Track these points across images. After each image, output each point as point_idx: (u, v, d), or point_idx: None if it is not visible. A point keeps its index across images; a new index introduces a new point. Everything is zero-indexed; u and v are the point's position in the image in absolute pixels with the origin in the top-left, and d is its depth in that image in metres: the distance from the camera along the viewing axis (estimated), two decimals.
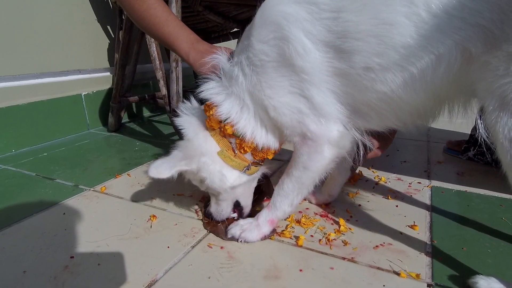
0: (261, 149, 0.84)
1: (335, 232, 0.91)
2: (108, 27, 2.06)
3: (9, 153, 1.60)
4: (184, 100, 0.91)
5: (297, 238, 0.88)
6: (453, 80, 0.63)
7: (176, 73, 1.54)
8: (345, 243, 0.87)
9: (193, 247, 0.86)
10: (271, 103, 0.76)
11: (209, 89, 0.82)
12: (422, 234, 0.91)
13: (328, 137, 0.76)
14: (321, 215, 1.01)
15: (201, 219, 0.98)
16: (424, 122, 0.77)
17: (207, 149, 0.83)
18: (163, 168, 0.78)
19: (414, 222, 0.95)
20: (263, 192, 1.01)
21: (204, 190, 0.92)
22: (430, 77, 0.64)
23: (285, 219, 0.97)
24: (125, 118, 2.16)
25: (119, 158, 1.55)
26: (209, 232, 0.92)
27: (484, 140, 0.67)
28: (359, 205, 1.07)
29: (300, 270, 0.77)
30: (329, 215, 1.01)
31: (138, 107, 2.34)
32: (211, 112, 0.81)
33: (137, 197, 1.13)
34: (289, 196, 0.84)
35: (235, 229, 0.88)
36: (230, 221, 0.93)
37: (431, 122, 0.77)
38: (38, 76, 1.74)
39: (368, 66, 0.66)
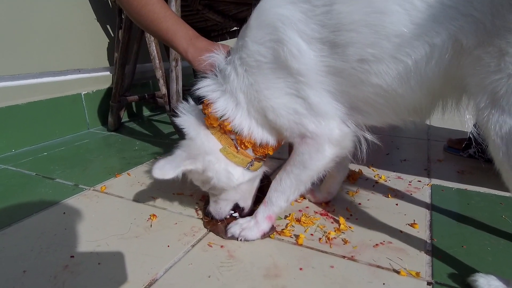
0: (260, 144, 0.84)
1: (335, 231, 0.91)
2: (108, 26, 2.06)
3: (9, 152, 1.60)
4: (182, 101, 0.91)
5: (297, 236, 0.88)
6: (444, 73, 0.63)
7: (175, 72, 1.54)
8: (345, 241, 0.87)
9: (193, 246, 0.86)
10: (270, 104, 0.76)
11: (205, 87, 0.83)
12: (422, 232, 0.91)
13: (329, 136, 0.76)
14: (321, 214, 1.01)
15: (201, 218, 0.98)
16: (420, 118, 0.77)
17: (210, 148, 0.83)
18: (167, 169, 0.78)
19: (414, 220, 0.95)
20: (264, 192, 1.01)
21: (206, 190, 0.92)
22: (423, 69, 0.63)
23: (284, 217, 0.97)
24: (125, 118, 2.16)
25: (119, 157, 1.54)
26: (209, 231, 0.92)
27: (474, 137, 0.66)
28: (359, 203, 1.07)
29: (300, 269, 0.77)
30: (329, 214, 1.01)
31: (138, 106, 2.34)
32: (209, 110, 0.82)
33: (137, 197, 1.13)
34: (286, 192, 0.85)
35: (234, 228, 0.88)
36: (230, 220, 0.93)
37: (428, 118, 0.77)
38: (38, 75, 1.73)
39: (362, 57, 0.66)
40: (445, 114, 0.72)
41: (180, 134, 1.56)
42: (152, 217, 0.99)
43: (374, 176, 1.27)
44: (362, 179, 1.25)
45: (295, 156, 0.82)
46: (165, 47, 2.06)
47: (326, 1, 0.66)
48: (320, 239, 0.88)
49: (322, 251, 0.83)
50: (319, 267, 0.78)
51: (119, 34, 1.83)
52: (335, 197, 1.08)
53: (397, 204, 1.06)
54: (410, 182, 1.22)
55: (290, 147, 0.90)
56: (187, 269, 0.78)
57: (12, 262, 0.81)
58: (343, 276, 0.75)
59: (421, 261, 0.79)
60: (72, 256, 0.83)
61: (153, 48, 1.62)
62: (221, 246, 0.86)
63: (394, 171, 1.31)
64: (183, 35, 0.94)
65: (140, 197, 1.12)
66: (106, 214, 1.02)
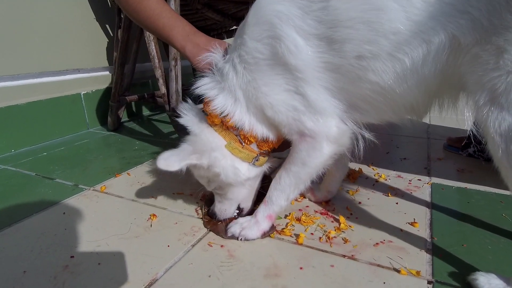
0: (262, 139, 0.84)
1: (335, 230, 0.91)
2: (107, 25, 2.06)
3: (9, 153, 1.60)
4: (182, 101, 0.91)
5: (297, 236, 0.88)
6: (441, 71, 0.63)
7: (175, 71, 1.53)
8: (345, 240, 0.87)
9: (193, 246, 0.86)
10: (268, 101, 0.76)
11: (203, 85, 0.83)
12: (422, 231, 0.91)
13: (326, 134, 0.76)
14: (321, 213, 1.01)
15: (201, 218, 0.98)
16: (418, 116, 0.77)
17: (216, 144, 0.83)
18: (172, 161, 0.78)
19: (414, 219, 0.95)
20: (264, 191, 1.01)
21: (211, 189, 0.92)
22: (420, 67, 0.63)
23: (284, 217, 0.97)
24: (124, 117, 2.16)
25: (118, 157, 1.54)
26: (209, 230, 0.92)
27: (473, 134, 0.66)
28: (359, 202, 1.07)
29: (300, 268, 0.77)
30: (329, 213, 1.01)
31: (138, 106, 2.33)
32: (209, 108, 0.82)
33: (137, 196, 1.13)
34: (286, 191, 0.85)
35: (235, 228, 0.88)
36: (230, 219, 0.93)
37: (426, 115, 0.77)
38: (37, 75, 1.73)
39: (360, 54, 0.66)
40: (442, 112, 0.72)
41: (180, 133, 1.56)
42: (152, 217, 0.99)
43: (374, 175, 1.27)
44: (362, 178, 1.25)
45: (294, 153, 0.82)
46: (165, 47, 2.05)
47: None
48: (320, 238, 0.88)
49: (322, 250, 0.83)
50: (320, 267, 0.77)
51: (118, 34, 1.82)
52: (335, 196, 1.08)
53: (397, 203, 1.06)
54: (410, 180, 1.22)
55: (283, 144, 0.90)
56: (187, 269, 0.78)
57: (12, 262, 0.81)
58: (344, 275, 0.75)
59: (422, 260, 0.79)
60: (72, 256, 0.83)
61: (153, 47, 1.61)
62: (221, 246, 0.86)
63: (394, 170, 1.31)
64: (180, 31, 0.93)
65: (140, 197, 1.12)
66: (106, 214, 1.02)
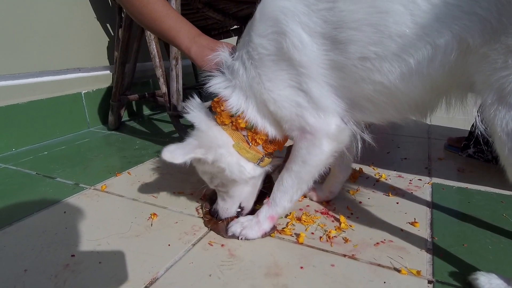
0: (271, 141, 0.85)
1: (335, 229, 0.91)
2: (108, 25, 2.06)
3: (10, 152, 1.60)
4: (189, 97, 0.91)
5: (297, 235, 0.88)
6: (449, 71, 0.63)
7: (176, 71, 1.54)
8: (345, 240, 0.87)
9: (194, 245, 0.86)
10: (271, 96, 0.77)
11: (217, 84, 0.83)
12: (422, 231, 0.91)
13: (326, 131, 0.76)
14: (321, 212, 1.01)
15: (202, 217, 0.98)
16: (422, 115, 0.77)
17: (224, 141, 0.83)
18: (177, 154, 0.78)
19: (414, 219, 0.95)
20: (264, 190, 1.01)
21: (213, 186, 0.92)
22: (426, 67, 0.63)
23: (285, 216, 0.97)
24: (125, 116, 2.16)
25: (119, 156, 1.54)
26: (210, 230, 0.92)
27: (481, 134, 0.66)
28: (360, 202, 1.07)
29: (301, 268, 0.77)
30: (330, 212, 1.01)
31: (138, 105, 2.33)
32: (222, 108, 0.82)
33: (138, 195, 1.13)
34: (289, 192, 0.84)
35: (235, 227, 0.88)
36: (230, 218, 0.93)
37: (430, 115, 0.77)
38: (38, 74, 1.73)
39: (364, 56, 0.66)
40: (450, 111, 0.72)
41: (180, 133, 1.56)
42: (152, 216, 0.99)
43: (375, 175, 1.27)
44: (362, 177, 1.25)
45: (295, 152, 0.82)
46: (165, 46, 2.06)
47: None
48: (320, 237, 0.88)
49: (322, 250, 0.83)
50: (320, 266, 0.78)
51: (119, 33, 1.82)
52: (336, 195, 1.08)
53: (397, 203, 1.06)
54: (410, 180, 1.22)
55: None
56: (188, 268, 0.78)
57: (13, 261, 0.81)
58: (344, 274, 0.75)
59: (422, 260, 0.79)
60: (73, 255, 0.83)
61: (153, 46, 1.61)
62: (222, 245, 0.86)
63: (394, 170, 1.31)
64: (185, 33, 0.95)
65: (141, 196, 1.12)
66: (107, 213, 1.03)
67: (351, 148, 0.84)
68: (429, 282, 0.72)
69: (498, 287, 0.67)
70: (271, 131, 0.83)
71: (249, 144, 0.84)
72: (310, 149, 0.78)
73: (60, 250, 0.85)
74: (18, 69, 1.64)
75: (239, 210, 0.95)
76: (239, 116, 0.81)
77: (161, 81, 1.63)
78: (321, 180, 0.87)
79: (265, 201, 0.90)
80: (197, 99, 0.90)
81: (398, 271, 0.75)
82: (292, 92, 0.75)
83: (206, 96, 0.88)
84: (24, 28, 1.63)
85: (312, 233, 0.90)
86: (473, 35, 0.58)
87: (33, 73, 1.71)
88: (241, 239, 0.87)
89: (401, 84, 0.67)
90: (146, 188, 1.18)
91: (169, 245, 0.86)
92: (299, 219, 0.96)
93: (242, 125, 0.82)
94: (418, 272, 0.74)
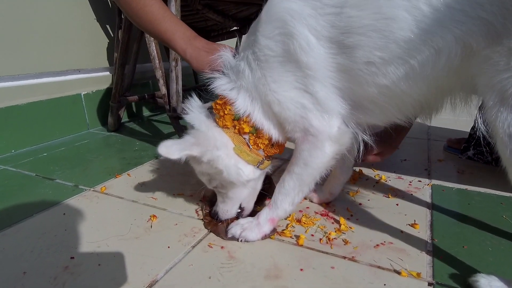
0: (273, 144, 0.85)
1: (335, 231, 0.91)
2: (107, 26, 2.06)
3: (9, 153, 1.60)
4: (188, 97, 0.91)
5: (297, 237, 0.88)
6: (453, 73, 0.63)
7: (175, 72, 1.54)
8: (345, 242, 0.87)
9: (193, 247, 0.86)
10: (276, 97, 0.77)
11: (222, 85, 0.83)
12: (422, 232, 0.91)
13: (329, 133, 0.76)
14: (321, 214, 1.01)
15: (202, 219, 0.98)
16: (427, 115, 0.77)
17: (223, 143, 0.83)
18: (173, 149, 0.78)
19: (414, 220, 0.95)
20: (265, 192, 1.01)
21: (212, 187, 0.92)
22: (431, 71, 0.64)
23: (285, 218, 0.97)
24: (124, 118, 2.16)
25: (119, 157, 1.54)
26: (210, 231, 0.92)
27: (482, 135, 0.67)
28: (360, 203, 1.07)
29: (301, 270, 0.77)
30: (330, 214, 1.00)
31: (138, 106, 2.33)
32: (226, 111, 0.82)
33: (137, 197, 1.13)
34: (290, 194, 0.84)
35: (235, 229, 0.88)
36: (231, 220, 0.93)
37: (435, 115, 0.77)
38: (37, 76, 1.73)
39: (370, 60, 0.67)
40: (456, 112, 0.72)
41: (180, 134, 1.56)
42: (152, 218, 0.99)
43: (375, 176, 1.26)
44: (362, 179, 1.25)
45: (296, 154, 0.82)
46: (165, 48, 2.06)
47: (336, 2, 0.67)
48: (320, 239, 0.88)
49: (322, 252, 0.83)
50: (320, 268, 0.77)
51: (118, 34, 1.82)
52: (335, 197, 1.08)
53: (397, 204, 1.06)
54: (410, 182, 1.22)
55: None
56: (187, 270, 0.78)
57: (12, 263, 0.81)
58: (344, 277, 0.75)
59: (422, 262, 0.79)
60: (72, 257, 0.82)
61: (153, 48, 1.61)
62: (222, 247, 0.85)
63: (394, 171, 1.31)
64: (181, 36, 0.95)
65: (140, 198, 1.12)
66: (106, 215, 1.02)
67: (352, 150, 0.84)
68: (429, 284, 0.72)
69: None
70: (275, 134, 0.83)
71: (249, 147, 0.84)
72: (312, 151, 0.78)
73: (59, 252, 0.85)
74: (17, 70, 1.64)
75: (239, 211, 0.95)
76: (244, 119, 0.81)
77: (161, 82, 1.63)
78: (322, 182, 0.87)
79: (266, 202, 0.90)
80: (196, 100, 0.89)
81: (398, 273, 0.75)
82: (297, 94, 0.75)
83: (206, 98, 0.88)
84: (23, 29, 1.63)
85: (312, 235, 0.90)
86: (477, 39, 0.58)
87: (32, 74, 1.71)
88: (241, 241, 0.87)
89: (405, 86, 0.67)
90: (145, 190, 1.18)
91: (168, 247, 0.86)
92: (299, 220, 0.96)
93: (246, 130, 0.82)
94: (418, 274, 0.74)
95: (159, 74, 1.63)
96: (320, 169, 0.81)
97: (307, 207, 1.05)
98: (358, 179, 1.24)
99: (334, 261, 0.80)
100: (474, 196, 1.11)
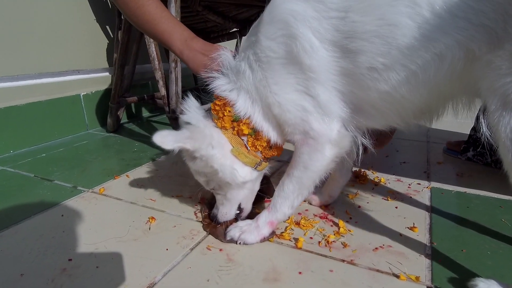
0: (271, 146, 0.84)
1: (334, 234, 0.91)
2: (107, 27, 2.06)
3: (8, 154, 1.60)
4: (185, 97, 0.90)
5: (296, 240, 0.87)
6: (456, 79, 0.64)
7: (175, 73, 1.53)
8: (344, 245, 0.86)
9: (192, 249, 0.86)
10: (276, 99, 0.77)
11: (221, 86, 0.82)
12: (421, 236, 0.90)
13: (329, 137, 0.76)
14: (320, 217, 1.00)
15: (200, 221, 0.98)
16: (428, 120, 0.78)
17: (220, 143, 0.83)
18: (168, 139, 0.78)
19: (413, 223, 0.95)
20: (263, 193, 1.01)
21: (210, 189, 0.91)
22: (433, 77, 0.64)
23: (284, 221, 0.97)
24: (124, 119, 2.16)
25: (118, 159, 1.54)
26: (208, 234, 0.92)
27: (487, 140, 0.67)
28: (359, 206, 1.06)
29: (299, 273, 0.77)
30: (329, 217, 1.00)
31: (137, 107, 2.33)
32: (225, 113, 0.82)
33: (136, 199, 1.12)
34: (290, 197, 0.84)
35: (234, 231, 0.88)
36: (229, 222, 0.93)
37: (436, 120, 0.78)
38: (37, 76, 1.73)
39: (372, 66, 0.67)
40: (458, 116, 0.73)
41: None
42: (150, 220, 0.99)
43: (374, 179, 1.26)
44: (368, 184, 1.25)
45: (296, 157, 0.82)
46: (165, 49, 2.05)
47: (340, 6, 0.67)
48: (319, 242, 0.88)
49: (321, 255, 0.83)
50: (319, 271, 0.77)
51: (118, 35, 1.82)
52: (334, 200, 1.07)
53: (396, 207, 1.05)
54: (409, 184, 1.22)
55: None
56: (185, 273, 0.77)
57: (10, 265, 0.81)
58: (343, 280, 0.74)
59: (421, 265, 0.79)
60: (70, 259, 0.82)
61: (153, 49, 1.61)
62: (220, 250, 0.85)
63: (393, 174, 1.31)
64: (178, 37, 0.94)
65: (139, 199, 1.12)
66: (105, 217, 1.02)
67: (351, 153, 0.84)
68: None
69: None
70: (273, 136, 0.83)
71: (247, 149, 0.84)
72: (312, 154, 0.78)
73: (57, 254, 0.84)
74: (17, 70, 1.63)
75: (238, 212, 0.94)
76: (243, 121, 0.81)
77: (160, 83, 1.63)
78: (321, 184, 0.87)
79: (265, 204, 0.90)
80: (193, 101, 0.89)
81: (397, 276, 0.75)
82: (298, 96, 0.75)
83: (206, 100, 0.88)
84: (23, 29, 1.63)
85: (311, 237, 0.90)
86: (479, 45, 0.58)
87: (32, 74, 1.70)
88: (240, 243, 0.86)
89: (407, 92, 0.68)
90: (144, 191, 1.18)
91: (167, 249, 0.86)
92: (297, 223, 0.95)
93: (246, 131, 0.82)
94: (417, 278, 0.74)
95: (158, 75, 1.63)
96: (320, 172, 0.81)
97: (306, 210, 1.05)
98: (367, 181, 1.24)
99: (333, 264, 0.79)
100: (473, 199, 1.11)
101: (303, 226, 0.94)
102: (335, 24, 0.68)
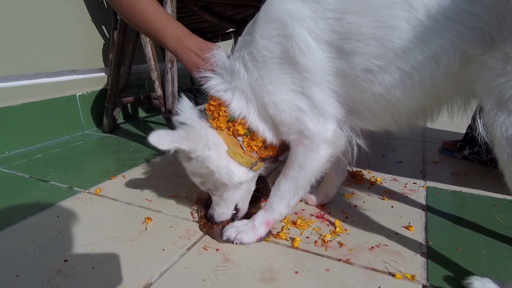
0: (267, 147, 0.84)
1: (330, 234, 0.91)
2: (103, 27, 2.05)
3: (3, 154, 1.59)
4: (179, 98, 0.90)
5: (292, 239, 0.88)
6: (452, 80, 0.64)
7: (171, 73, 1.53)
8: (340, 244, 0.87)
9: (188, 249, 0.86)
10: (272, 99, 0.77)
11: (215, 86, 0.82)
12: (417, 234, 0.91)
13: (324, 137, 0.76)
14: (316, 216, 1.01)
15: (197, 221, 0.98)
16: (422, 121, 0.78)
17: (216, 144, 0.82)
18: (164, 140, 0.77)
19: (409, 222, 0.95)
20: (259, 193, 1.01)
21: (205, 189, 0.91)
22: (429, 79, 0.65)
23: (280, 220, 0.97)
24: (120, 119, 2.15)
25: (114, 159, 1.54)
26: (205, 234, 0.92)
27: (483, 139, 0.67)
28: (355, 205, 1.07)
29: (296, 272, 0.77)
30: (325, 216, 1.00)
31: (133, 107, 2.32)
32: (220, 113, 0.81)
33: (132, 199, 1.12)
34: (286, 197, 0.84)
35: (230, 231, 0.88)
36: (226, 222, 0.93)
37: (430, 122, 0.78)
38: (32, 76, 1.72)
39: (367, 68, 0.67)
40: (453, 117, 0.73)
41: None
42: (147, 220, 0.98)
43: (370, 178, 1.27)
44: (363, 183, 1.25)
45: (291, 157, 0.82)
46: (161, 49, 2.05)
47: (337, 7, 0.67)
48: (315, 242, 0.88)
49: (317, 254, 0.83)
50: (315, 270, 0.77)
51: (114, 35, 1.81)
52: (331, 199, 1.08)
53: (392, 206, 1.06)
54: (405, 184, 1.22)
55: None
56: (182, 273, 0.77)
57: (5, 266, 0.80)
58: (339, 279, 0.75)
59: (417, 264, 0.79)
60: (65, 260, 0.82)
61: (149, 49, 1.61)
62: (217, 250, 0.85)
63: (389, 173, 1.31)
64: (171, 34, 0.93)
65: (135, 200, 1.12)
66: (101, 217, 1.02)
67: (346, 153, 0.85)
68: (424, 286, 0.72)
69: None
70: (269, 136, 0.83)
71: (243, 149, 0.84)
72: (307, 154, 0.78)
73: (53, 254, 0.84)
74: (12, 71, 1.62)
75: (234, 212, 0.94)
76: (238, 121, 0.81)
77: (157, 83, 1.62)
78: (317, 184, 0.87)
79: (262, 205, 0.90)
80: (187, 101, 0.88)
81: (393, 275, 0.75)
82: (293, 96, 0.75)
83: (201, 100, 0.88)
84: (18, 30, 1.62)
85: (307, 237, 0.90)
86: (474, 47, 0.59)
87: (27, 75, 1.69)
88: (236, 243, 0.86)
89: (401, 95, 0.68)
90: (140, 192, 1.18)
91: (163, 249, 0.85)
92: (294, 223, 0.96)
93: (241, 131, 0.82)
94: (413, 277, 0.74)
95: (154, 75, 1.63)
96: (315, 172, 0.81)
97: (303, 209, 1.05)
98: (364, 180, 1.24)
99: (329, 264, 0.80)
100: (468, 198, 1.11)
101: (300, 225, 0.94)
102: (331, 25, 0.68)
